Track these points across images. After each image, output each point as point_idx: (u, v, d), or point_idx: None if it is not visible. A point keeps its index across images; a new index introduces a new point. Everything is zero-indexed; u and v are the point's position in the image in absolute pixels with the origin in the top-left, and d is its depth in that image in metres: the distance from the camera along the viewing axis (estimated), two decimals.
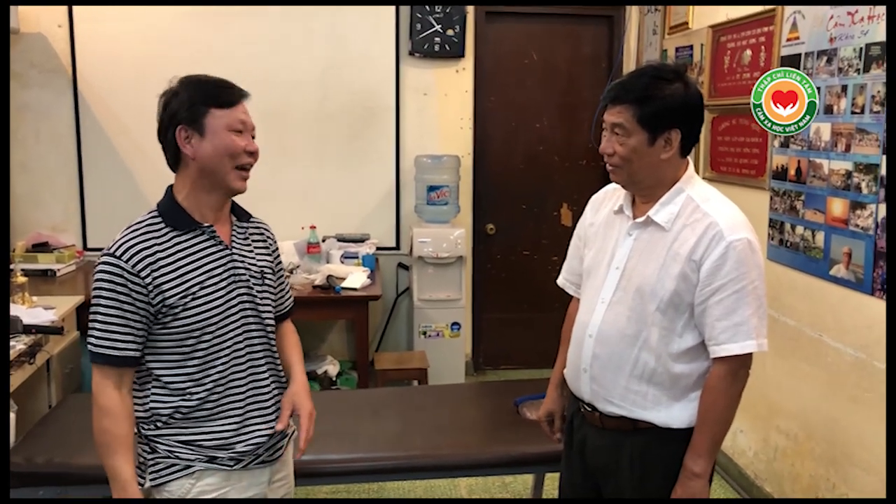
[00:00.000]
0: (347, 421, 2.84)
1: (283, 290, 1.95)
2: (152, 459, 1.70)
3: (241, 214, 1.83)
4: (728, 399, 1.74)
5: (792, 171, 2.97)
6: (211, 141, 1.65)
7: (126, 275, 1.61)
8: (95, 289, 1.63)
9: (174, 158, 1.70)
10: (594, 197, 2.03)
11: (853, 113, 2.59)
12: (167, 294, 1.63)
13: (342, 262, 4.30)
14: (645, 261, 1.78)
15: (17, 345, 2.78)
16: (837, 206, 2.69)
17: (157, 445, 1.69)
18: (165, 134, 1.68)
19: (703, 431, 1.75)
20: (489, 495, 3.36)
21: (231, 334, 1.71)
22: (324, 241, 4.43)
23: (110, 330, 1.62)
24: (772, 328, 1.78)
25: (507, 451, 2.65)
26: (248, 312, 1.75)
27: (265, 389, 1.78)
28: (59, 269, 4.00)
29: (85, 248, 4.41)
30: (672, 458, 1.77)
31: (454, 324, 4.43)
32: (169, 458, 1.69)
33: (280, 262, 1.93)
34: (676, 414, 1.78)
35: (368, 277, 4.09)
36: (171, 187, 1.73)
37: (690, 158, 1.84)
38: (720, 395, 1.73)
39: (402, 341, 4.82)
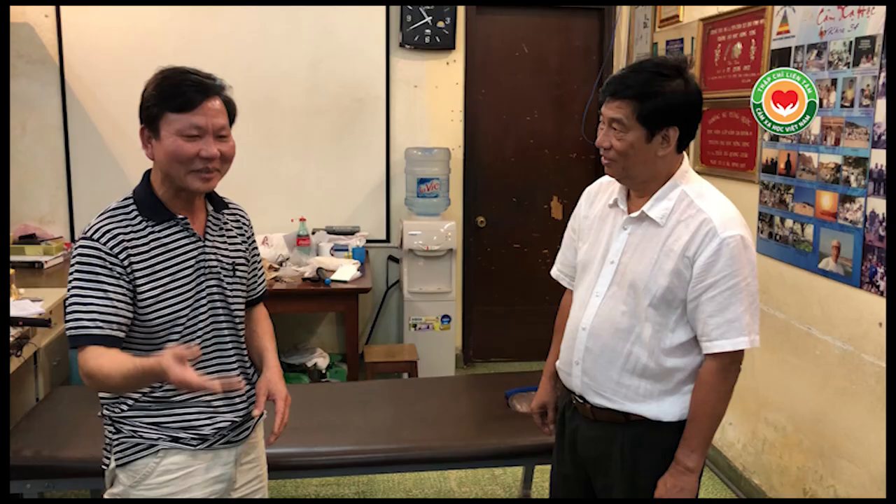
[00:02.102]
0: (337, 414, 2.84)
1: (257, 275, 1.94)
2: (117, 440, 1.70)
3: (217, 203, 1.81)
4: (720, 394, 1.75)
5: (781, 165, 2.97)
6: (163, 146, 1.62)
7: (105, 256, 1.59)
8: (74, 272, 1.60)
9: None
10: (588, 189, 2.02)
11: (843, 107, 2.60)
12: (140, 284, 1.62)
13: (332, 255, 4.29)
14: (639, 256, 1.77)
15: None
16: (826, 200, 2.70)
17: (122, 426, 1.70)
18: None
19: (696, 426, 1.75)
20: (479, 487, 3.36)
21: (201, 325, 1.71)
22: (313, 233, 4.42)
23: (92, 310, 1.58)
24: (761, 321, 1.79)
25: (498, 444, 2.65)
26: (218, 304, 1.75)
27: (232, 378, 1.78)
28: (46, 261, 3.97)
29: (72, 239, 4.38)
30: (663, 450, 1.78)
31: (444, 316, 4.42)
32: (133, 437, 1.69)
33: (255, 248, 1.93)
34: (668, 407, 1.79)
35: (358, 270, 4.08)
36: (148, 174, 1.72)
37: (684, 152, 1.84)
38: (712, 391, 1.74)
39: (392, 334, 4.82)
